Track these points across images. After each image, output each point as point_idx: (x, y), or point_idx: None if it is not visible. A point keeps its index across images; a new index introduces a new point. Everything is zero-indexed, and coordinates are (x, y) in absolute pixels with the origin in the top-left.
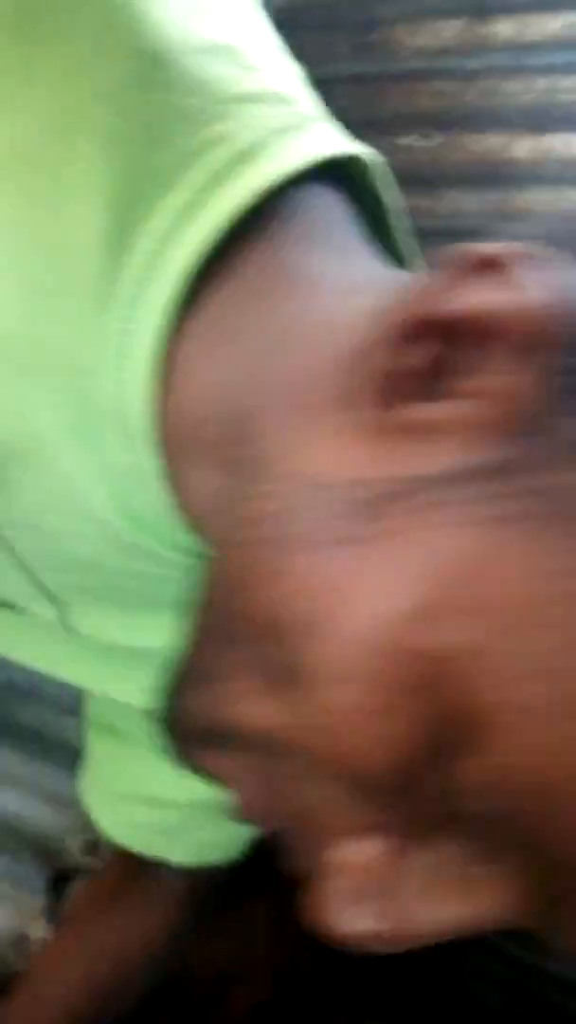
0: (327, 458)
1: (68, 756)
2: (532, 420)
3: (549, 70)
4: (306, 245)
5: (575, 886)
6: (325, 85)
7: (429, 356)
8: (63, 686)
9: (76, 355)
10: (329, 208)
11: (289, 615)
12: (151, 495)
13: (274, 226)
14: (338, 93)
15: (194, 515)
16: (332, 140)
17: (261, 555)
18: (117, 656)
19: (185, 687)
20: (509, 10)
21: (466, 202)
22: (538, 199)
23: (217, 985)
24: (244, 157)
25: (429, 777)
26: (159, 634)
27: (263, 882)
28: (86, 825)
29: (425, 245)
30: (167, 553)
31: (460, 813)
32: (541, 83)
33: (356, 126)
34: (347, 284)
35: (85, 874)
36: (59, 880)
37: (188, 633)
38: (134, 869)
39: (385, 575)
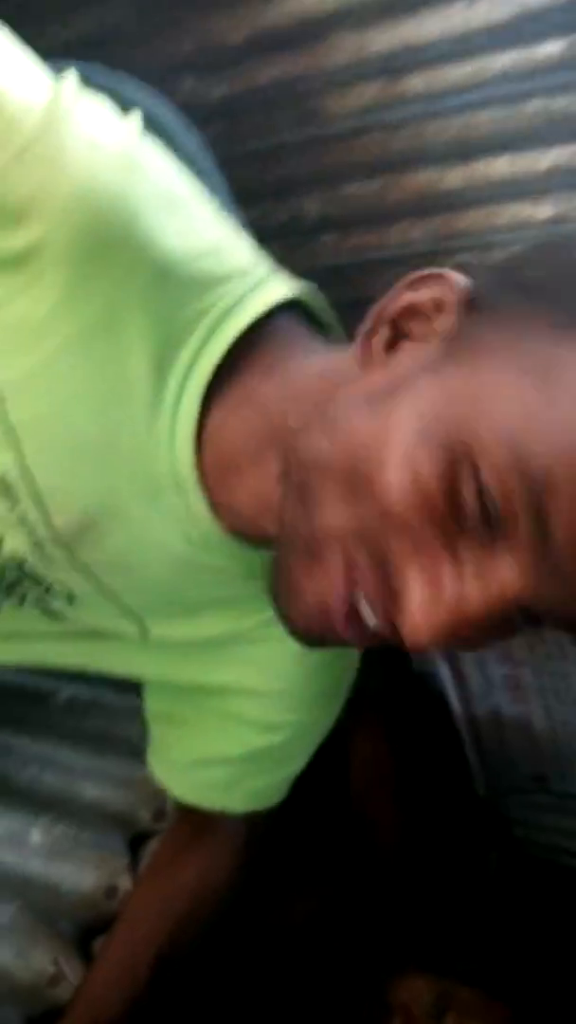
0: (353, 396)
1: (128, 749)
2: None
3: (461, 109)
4: (280, 346)
5: (562, 557)
6: (275, 152)
7: (389, 331)
8: (117, 697)
9: (140, 446)
10: (290, 323)
11: (362, 454)
12: (203, 525)
13: (261, 341)
14: (285, 158)
15: (237, 518)
16: (280, 287)
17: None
18: (184, 650)
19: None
20: (418, 66)
21: (412, 231)
22: (475, 218)
23: (280, 897)
24: (230, 311)
25: (466, 490)
26: (212, 626)
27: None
28: (152, 797)
29: (381, 270)
30: (218, 563)
31: (490, 514)
32: (457, 121)
33: (305, 182)
34: (320, 359)
35: (157, 835)
36: (136, 842)
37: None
38: (199, 823)
39: (408, 414)
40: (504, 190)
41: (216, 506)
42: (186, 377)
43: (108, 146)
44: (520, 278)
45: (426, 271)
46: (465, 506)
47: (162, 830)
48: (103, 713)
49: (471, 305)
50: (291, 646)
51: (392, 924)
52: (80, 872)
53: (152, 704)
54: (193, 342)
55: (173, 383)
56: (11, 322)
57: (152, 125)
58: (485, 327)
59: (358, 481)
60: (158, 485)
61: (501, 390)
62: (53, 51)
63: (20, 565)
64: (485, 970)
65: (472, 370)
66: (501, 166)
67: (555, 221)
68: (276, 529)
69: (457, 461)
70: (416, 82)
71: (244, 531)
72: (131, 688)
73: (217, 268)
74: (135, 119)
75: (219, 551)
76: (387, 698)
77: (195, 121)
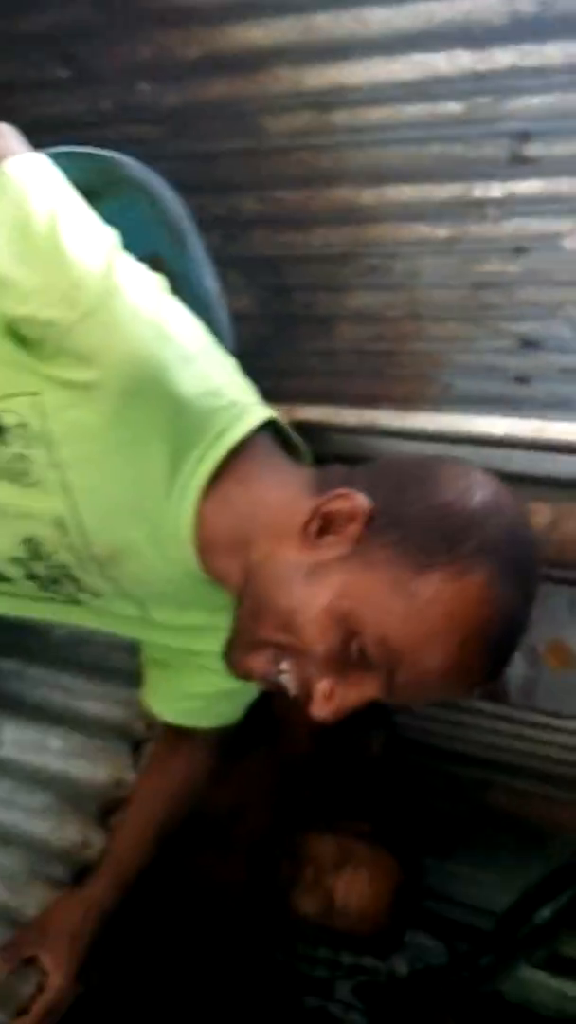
0: (291, 559)
1: (122, 675)
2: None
3: (377, 143)
4: (259, 461)
5: (400, 688)
6: (217, 156)
7: (320, 523)
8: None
9: (156, 513)
10: (266, 442)
11: (291, 609)
12: (192, 568)
13: (243, 451)
14: (226, 161)
15: (215, 572)
16: (259, 414)
17: (269, 586)
18: (176, 629)
19: (236, 636)
20: (344, 104)
21: (330, 236)
22: (383, 231)
23: (228, 817)
24: (222, 433)
25: (353, 644)
26: (196, 617)
27: (260, 738)
28: (144, 714)
29: (305, 264)
30: (202, 589)
31: (365, 658)
32: (373, 152)
33: (242, 185)
34: (281, 477)
35: (150, 741)
36: (136, 746)
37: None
38: (182, 735)
39: (324, 592)
40: (409, 212)
41: (203, 554)
42: (190, 476)
43: (146, 318)
44: (401, 513)
45: (343, 492)
46: (351, 652)
47: (154, 737)
48: (97, 645)
49: (371, 521)
50: None
51: (302, 794)
52: (94, 768)
53: (148, 653)
54: (196, 452)
55: (182, 477)
56: (77, 420)
57: (168, 224)
58: (376, 544)
59: (289, 624)
60: (166, 539)
61: (379, 595)
62: (16, 41)
63: (64, 569)
64: (375, 828)
65: (364, 577)
66: (407, 191)
67: (449, 241)
68: (234, 609)
69: (349, 629)
70: (342, 116)
71: (217, 578)
72: None
73: (216, 402)
74: (161, 283)
75: (201, 584)
76: None
77: (148, 121)
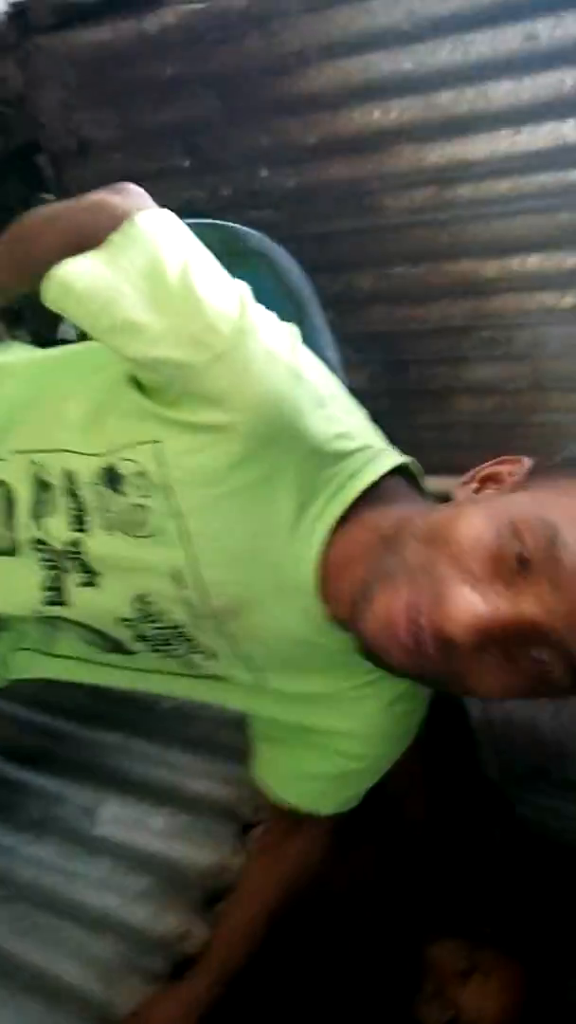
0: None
1: (230, 753)
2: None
3: (501, 215)
4: (391, 497)
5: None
6: (334, 236)
7: (477, 484)
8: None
9: (279, 560)
10: (399, 487)
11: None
12: (316, 615)
13: (377, 493)
14: (344, 241)
15: (340, 606)
16: (389, 459)
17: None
18: (294, 699)
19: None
20: (467, 179)
21: (450, 309)
22: (505, 302)
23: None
24: (353, 476)
25: (511, 547)
26: (319, 685)
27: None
28: (252, 794)
29: (423, 339)
30: (324, 641)
31: (526, 559)
32: (497, 224)
33: (359, 262)
34: (410, 501)
35: (256, 825)
36: (243, 829)
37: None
38: (293, 818)
39: (479, 508)
40: (533, 282)
41: (327, 601)
42: (317, 519)
43: (280, 359)
44: (554, 467)
45: (513, 457)
46: (507, 556)
47: (261, 820)
48: (205, 721)
49: (530, 473)
50: (376, 703)
51: (422, 894)
52: (198, 851)
53: (258, 728)
54: (325, 495)
55: (308, 521)
56: (200, 464)
57: (290, 294)
58: (535, 483)
59: (434, 537)
60: (289, 587)
61: (545, 499)
62: (145, 134)
63: (177, 629)
64: (502, 932)
65: (526, 494)
66: (531, 261)
67: (574, 309)
68: (364, 575)
69: (508, 532)
70: (464, 190)
71: (344, 620)
72: None
73: (346, 446)
74: (294, 330)
75: (326, 635)
76: None
77: (267, 205)
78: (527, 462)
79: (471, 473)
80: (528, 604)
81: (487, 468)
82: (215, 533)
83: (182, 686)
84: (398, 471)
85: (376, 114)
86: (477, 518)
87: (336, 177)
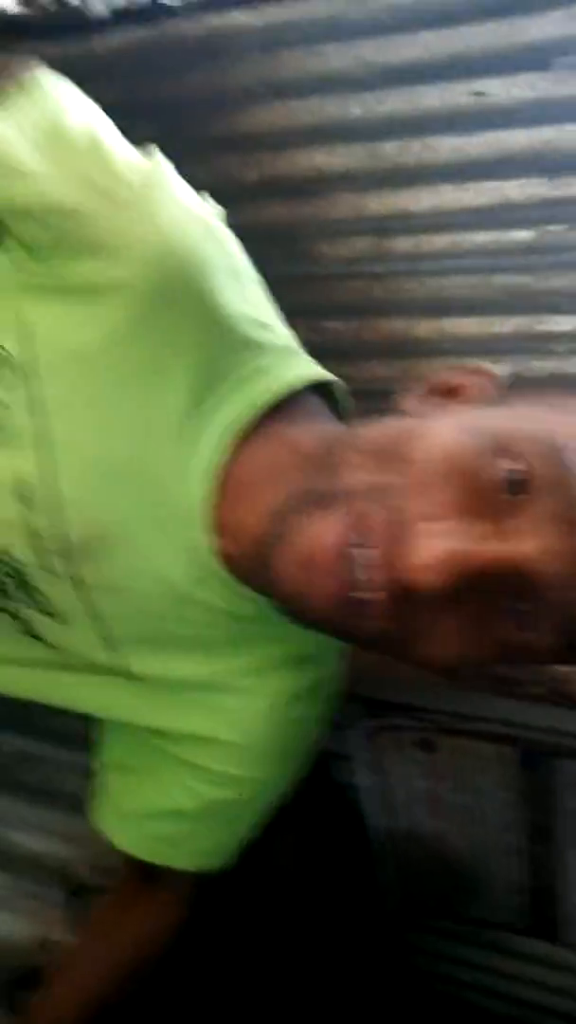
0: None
1: (70, 803)
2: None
3: (438, 272)
4: (308, 412)
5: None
6: (269, 282)
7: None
8: (61, 751)
9: (163, 475)
10: (320, 407)
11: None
12: (203, 557)
13: (290, 405)
14: (275, 288)
15: (238, 546)
16: (317, 369)
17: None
18: (158, 690)
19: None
20: (406, 231)
21: (379, 370)
22: (437, 366)
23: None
24: (268, 373)
25: (496, 465)
26: (190, 668)
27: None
28: (92, 853)
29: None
30: (209, 599)
31: (518, 480)
32: (432, 282)
33: (290, 312)
34: (331, 422)
35: (95, 890)
36: (73, 896)
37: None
38: (144, 878)
39: (450, 420)
40: (467, 347)
41: (220, 534)
42: (214, 418)
43: (195, 213)
44: (538, 384)
45: (480, 366)
46: (492, 483)
47: (101, 885)
48: (46, 766)
49: (503, 386)
50: (262, 701)
51: None
52: (14, 922)
53: (110, 751)
54: (228, 386)
55: (202, 420)
56: (77, 341)
57: None
58: (514, 400)
59: (389, 454)
60: (170, 514)
61: (526, 413)
62: None
63: (19, 573)
64: None
65: (503, 408)
66: (467, 324)
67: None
68: (281, 499)
69: (491, 451)
70: (402, 243)
71: (242, 564)
72: (76, 742)
73: (265, 338)
74: (212, 204)
75: (212, 587)
76: (300, 805)
77: None
78: (498, 376)
79: (427, 382)
80: (527, 541)
81: (451, 376)
82: (85, 436)
83: (38, 681)
84: (321, 391)
85: (319, 158)
86: (448, 430)
87: (273, 220)
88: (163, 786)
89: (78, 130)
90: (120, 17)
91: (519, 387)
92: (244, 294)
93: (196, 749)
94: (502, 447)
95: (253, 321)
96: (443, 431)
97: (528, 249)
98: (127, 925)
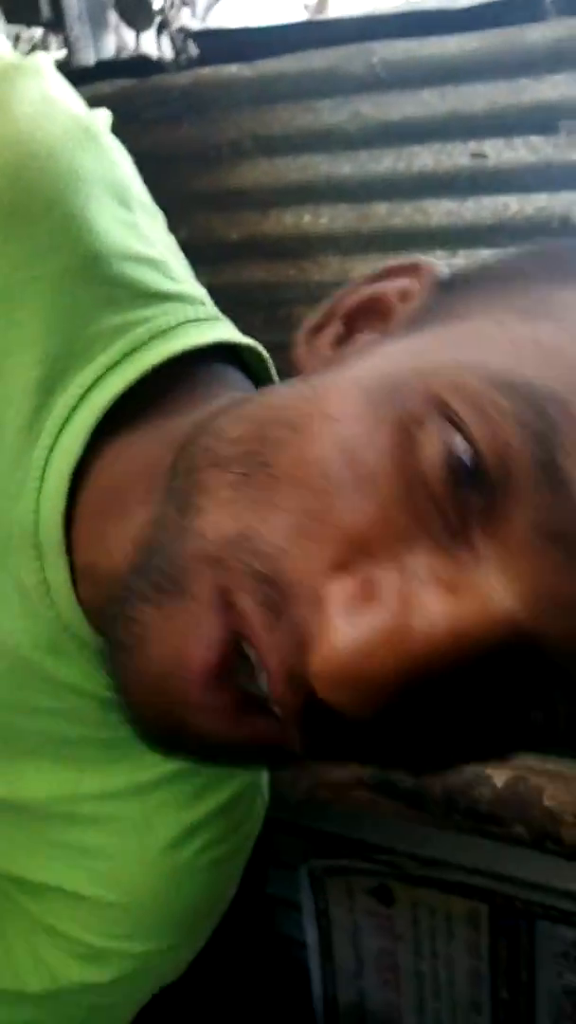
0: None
1: None
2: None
3: None
4: (208, 388)
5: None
6: None
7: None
8: None
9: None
10: (228, 374)
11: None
12: (60, 600)
13: (187, 379)
14: None
15: (102, 592)
16: (228, 330)
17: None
18: (4, 815)
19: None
20: None
21: None
22: None
23: None
24: (163, 334)
25: (430, 451)
26: (39, 785)
27: None
28: None
29: None
30: (66, 672)
31: (470, 484)
32: None
33: None
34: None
35: None
36: None
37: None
38: None
39: (350, 377)
40: None
41: (80, 577)
42: (80, 401)
43: (71, 111)
44: (497, 266)
45: (400, 260)
46: (428, 481)
47: None
48: None
49: (442, 287)
50: (146, 836)
51: None
52: None
53: None
54: (103, 359)
55: (61, 406)
56: None
57: None
58: (456, 300)
59: (253, 463)
60: (8, 539)
61: (487, 332)
62: None
63: None
64: None
65: (442, 328)
66: None
67: None
68: (129, 567)
69: (421, 420)
70: None
71: (95, 603)
72: None
73: (158, 282)
74: (104, 113)
75: (69, 656)
76: (234, 963)
77: None
78: (430, 268)
79: (326, 308)
80: (501, 587)
81: (360, 291)
82: None
83: None
84: (229, 355)
85: (306, 218)
86: (341, 399)
87: (254, 282)
88: (9, 957)
89: None
90: (107, 67)
91: (472, 284)
92: (131, 223)
93: (56, 907)
94: (438, 410)
95: (144, 259)
96: (332, 404)
97: None
98: None
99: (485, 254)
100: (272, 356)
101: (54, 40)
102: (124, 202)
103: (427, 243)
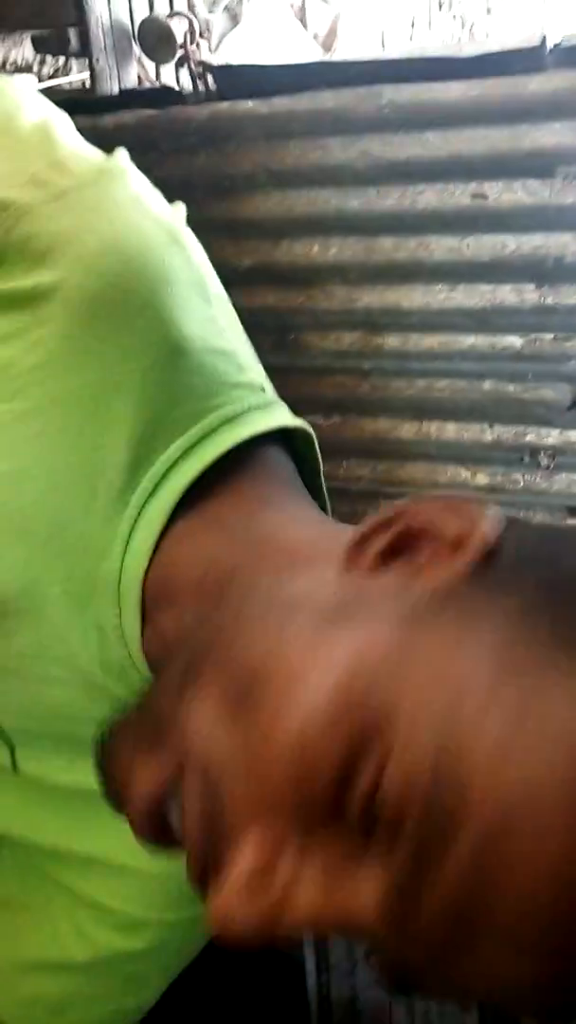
0: (306, 586)
1: None
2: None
3: (426, 373)
4: (265, 478)
5: (431, 916)
6: None
7: (391, 541)
8: None
9: (89, 541)
10: (280, 459)
11: (268, 670)
12: (130, 646)
13: (246, 466)
14: None
15: (156, 650)
16: (285, 416)
17: (255, 633)
18: (52, 799)
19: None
20: (397, 328)
21: (358, 470)
22: (417, 470)
23: None
24: (230, 421)
25: (362, 778)
26: (92, 775)
27: None
28: None
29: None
30: (125, 694)
31: (374, 815)
32: (420, 382)
33: None
34: (292, 510)
35: None
36: None
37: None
38: None
39: (342, 656)
40: (448, 452)
41: (147, 624)
42: (165, 477)
43: (155, 212)
44: (553, 563)
45: (467, 500)
46: (354, 792)
47: None
48: None
49: (488, 562)
50: None
51: None
52: None
53: None
54: (184, 440)
55: (149, 479)
56: None
57: None
58: (485, 601)
59: (241, 693)
60: (94, 591)
61: (462, 681)
62: None
63: None
64: None
65: (444, 640)
66: (450, 429)
67: (489, 489)
68: (155, 660)
69: (372, 738)
70: (392, 340)
71: (154, 657)
72: None
73: (231, 373)
74: (181, 209)
75: (134, 676)
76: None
77: None
78: (484, 526)
79: (369, 524)
80: (367, 894)
81: (422, 515)
82: (1, 477)
83: None
84: (282, 439)
85: (315, 249)
86: (323, 699)
87: (264, 308)
88: (53, 929)
89: (31, 124)
90: (129, 97)
91: (509, 577)
92: (212, 315)
93: (99, 880)
94: (379, 746)
95: (221, 351)
96: (309, 691)
97: (516, 356)
98: None
99: (483, 289)
100: (279, 379)
101: (75, 64)
102: (205, 298)
103: (429, 277)
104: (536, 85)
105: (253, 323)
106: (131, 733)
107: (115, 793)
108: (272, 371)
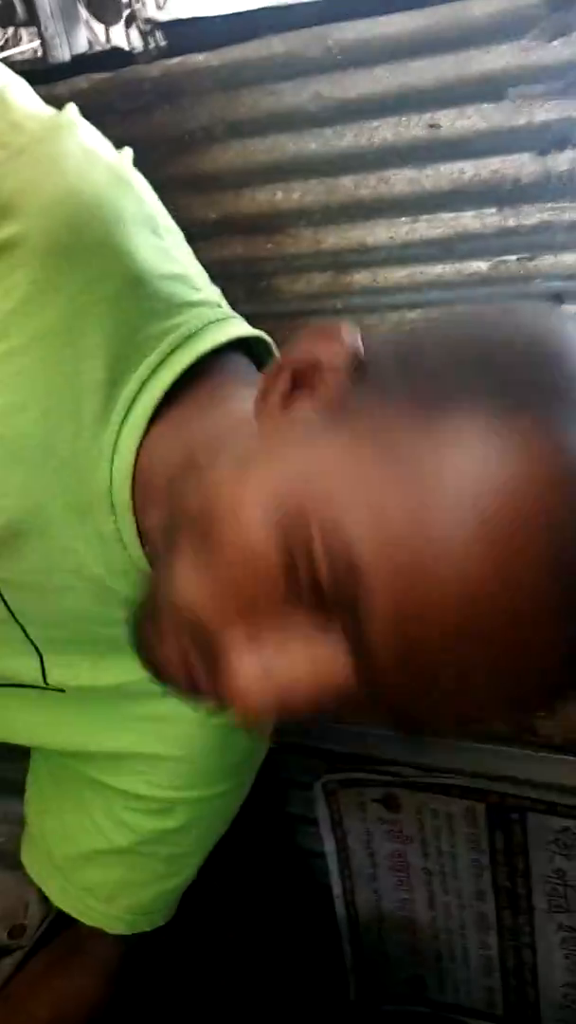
0: (241, 442)
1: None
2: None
3: (397, 306)
4: (226, 381)
5: (387, 651)
6: None
7: (288, 381)
8: None
9: (80, 458)
10: (240, 363)
11: (217, 510)
12: (130, 549)
13: (210, 373)
14: None
15: (153, 548)
16: (243, 327)
17: (206, 486)
18: (82, 702)
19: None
20: (365, 265)
21: None
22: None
23: None
24: (191, 337)
25: (302, 565)
26: (115, 674)
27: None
28: (9, 913)
29: None
30: (132, 593)
31: (315, 592)
32: (392, 316)
33: None
34: (249, 399)
35: (12, 952)
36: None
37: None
38: (73, 939)
39: (268, 478)
40: None
41: (139, 523)
42: (140, 392)
43: (103, 158)
44: (408, 354)
45: (327, 325)
46: (300, 580)
47: (18, 947)
48: None
49: (358, 370)
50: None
51: None
52: None
53: (36, 791)
54: (153, 358)
55: (125, 396)
56: None
57: None
58: (364, 401)
59: (203, 532)
60: (90, 502)
61: (358, 479)
62: None
63: None
64: None
65: (339, 448)
66: None
67: None
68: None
69: (297, 534)
70: (361, 277)
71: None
72: (3, 790)
73: (186, 294)
74: (127, 153)
75: (135, 579)
76: (257, 874)
77: None
78: (349, 340)
79: (264, 378)
80: (328, 656)
81: (301, 352)
82: None
83: None
84: (243, 348)
85: (278, 195)
86: (260, 512)
87: (233, 257)
88: (94, 823)
89: None
90: (81, 62)
91: (378, 381)
92: (163, 247)
93: (128, 772)
94: (302, 537)
95: (174, 276)
96: (247, 508)
97: (483, 280)
98: (43, 996)
99: (445, 217)
100: (255, 324)
101: (24, 33)
102: (155, 231)
103: (392, 211)
104: (478, 9)
105: (224, 273)
106: (147, 616)
107: (155, 671)
108: (248, 317)
